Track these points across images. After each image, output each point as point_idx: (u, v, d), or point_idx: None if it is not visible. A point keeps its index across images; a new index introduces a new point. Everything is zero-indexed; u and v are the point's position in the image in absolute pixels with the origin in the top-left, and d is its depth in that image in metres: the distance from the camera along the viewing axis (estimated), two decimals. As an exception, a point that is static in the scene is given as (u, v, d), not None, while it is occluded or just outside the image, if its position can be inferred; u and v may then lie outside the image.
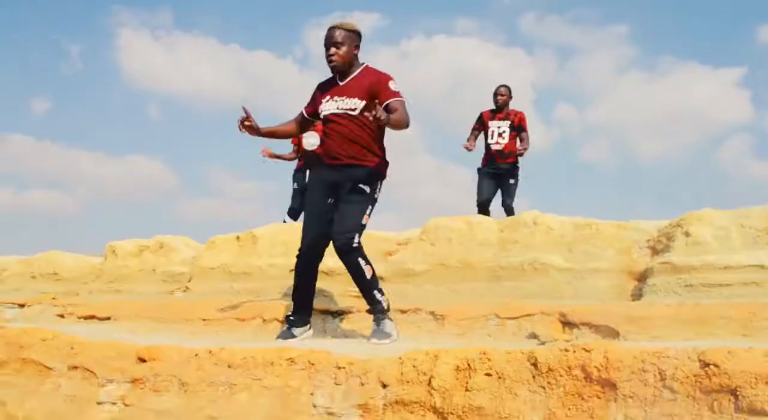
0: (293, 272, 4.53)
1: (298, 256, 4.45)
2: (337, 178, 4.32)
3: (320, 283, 5.56)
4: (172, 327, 5.29)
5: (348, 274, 4.33)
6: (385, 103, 4.19)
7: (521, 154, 7.78)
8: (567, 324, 4.08)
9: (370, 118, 3.91)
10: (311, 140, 8.06)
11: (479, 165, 8.00)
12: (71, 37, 25.29)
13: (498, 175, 7.85)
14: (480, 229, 5.35)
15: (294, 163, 8.48)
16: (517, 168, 7.88)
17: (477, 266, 5.11)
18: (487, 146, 7.91)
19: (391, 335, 4.13)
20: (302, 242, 4.42)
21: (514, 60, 22.41)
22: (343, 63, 4.32)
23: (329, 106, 4.37)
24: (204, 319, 5.28)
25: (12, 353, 4.71)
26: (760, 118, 19.78)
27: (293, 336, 4.39)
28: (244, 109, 4.42)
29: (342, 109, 4.31)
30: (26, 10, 24.58)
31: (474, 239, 5.30)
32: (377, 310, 4.26)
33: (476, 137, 8.06)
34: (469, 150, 7.96)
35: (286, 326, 4.52)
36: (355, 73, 4.38)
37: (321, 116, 4.45)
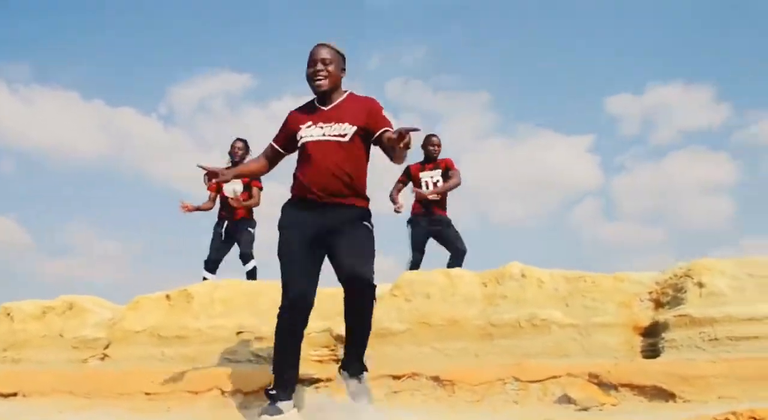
0: (274, 335, 3.78)
1: (279, 316, 3.72)
2: (328, 217, 3.70)
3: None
4: (105, 403, 4.41)
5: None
6: (379, 132, 3.75)
7: (440, 193, 7.33)
8: (602, 385, 3.63)
9: (397, 142, 3.36)
10: (234, 187, 7.51)
11: (409, 217, 7.53)
12: None
13: (434, 227, 7.41)
14: (461, 283, 4.86)
15: (213, 214, 7.72)
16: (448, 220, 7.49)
17: (464, 324, 4.60)
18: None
19: (370, 391, 3.73)
20: (284, 298, 3.69)
21: None
22: (330, 83, 3.81)
23: (312, 133, 3.79)
24: (147, 393, 4.44)
25: None
26: (608, 182, 21.11)
27: (280, 412, 3.62)
28: (201, 167, 3.86)
29: (330, 135, 3.75)
30: None
31: (456, 294, 4.80)
32: (359, 366, 3.79)
33: (400, 190, 7.63)
34: (399, 212, 7.50)
35: (268, 402, 3.73)
36: (341, 99, 3.88)
37: (299, 143, 3.84)
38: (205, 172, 3.89)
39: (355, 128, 3.75)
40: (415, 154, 7.49)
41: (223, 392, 4.33)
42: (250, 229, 7.46)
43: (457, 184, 7.34)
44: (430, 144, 7.46)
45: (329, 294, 5.07)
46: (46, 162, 22.97)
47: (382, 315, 4.83)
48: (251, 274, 7.27)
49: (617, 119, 21.33)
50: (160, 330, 5.40)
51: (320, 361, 4.87)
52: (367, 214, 3.81)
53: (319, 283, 3.81)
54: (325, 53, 3.79)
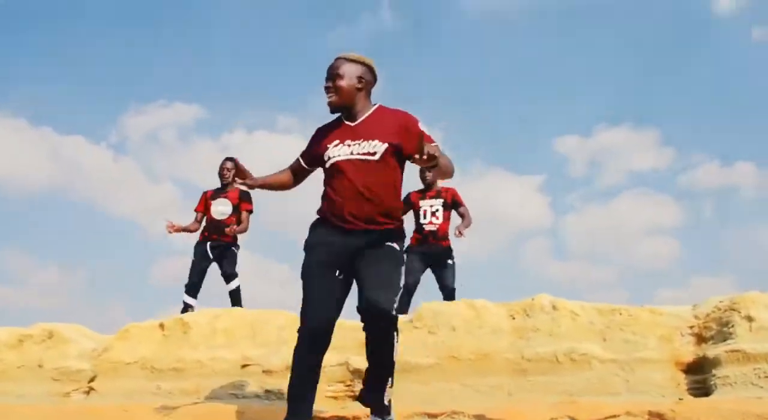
0: (290, 367, 3.44)
1: (297, 346, 3.38)
2: (357, 240, 3.40)
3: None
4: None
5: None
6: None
7: (460, 234, 7.08)
8: (666, 425, 3.36)
9: (421, 159, 3.12)
10: (221, 208, 7.16)
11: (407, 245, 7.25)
12: None
13: (431, 258, 7.13)
14: (487, 315, 4.56)
15: (196, 236, 7.32)
16: (451, 249, 7.21)
17: (495, 358, 4.30)
18: (419, 227, 7.19)
19: None
20: (302, 324, 3.37)
21: None
22: (342, 99, 3.50)
23: (339, 152, 3.47)
24: (154, 431, 4.02)
25: None
26: (558, 222, 21.42)
27: None
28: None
29: (358, 154, 3.43)
30: None
31: (483, 326, 4.50)
32: (384, 409, 3.45)
33: None
34: None
35: None
36: (369, 113, 3.55)
37: (327, 165, 3.52)
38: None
39: (385, 146, 3.42)
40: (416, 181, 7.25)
41: (239, 431, 3.94)
42: (233, 248, 7.13)
43: (467, 226, 7.11)
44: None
45: (346, 326, 4.74)
46: (-7, 189, 22.12)
47: (404, 348, 4.50)
48: (235, 294, 6.97)
49: (566, 160, 21.58)
50: (154, 362, 4.96)
51: (335, 397, 4.53)
52: (396, 235, 3.50)
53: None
54: (335, 67, 3.51)
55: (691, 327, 4.30)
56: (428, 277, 7.15)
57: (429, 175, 7.08)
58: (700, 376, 4.01)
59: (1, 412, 4.71)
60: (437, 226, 7.06)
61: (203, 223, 7.29)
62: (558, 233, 21.53)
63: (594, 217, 21.36)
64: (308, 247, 3.51)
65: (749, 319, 4.01)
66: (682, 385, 4.03)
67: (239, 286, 7.08)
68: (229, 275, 7.09)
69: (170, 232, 7.07)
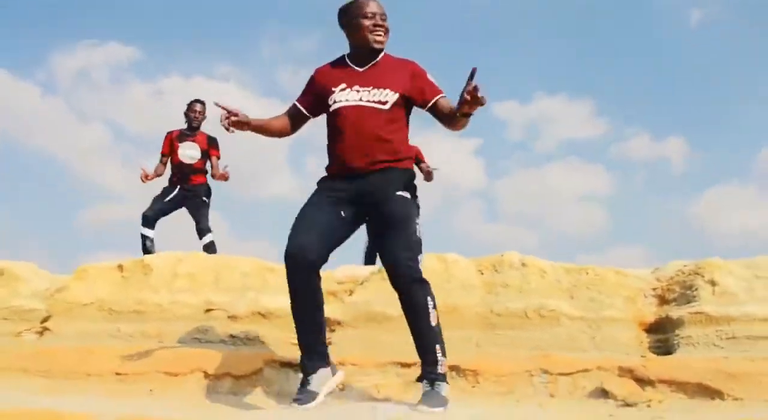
0: (290, 295, 3.36)
1: (286, 276, 3.30)
2: (364, 188, 3.34)
3: (259, 329, 4.51)
4: (74, 385, 3.85)
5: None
6: (434, 100, 3.41)
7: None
8: (638, 381, 3.46)
9: (472, 104, 3.03)
10: (190, 152, 6.96)
11: None
12: None
13: None
14: (457, 269, 4.60)
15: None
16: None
17: (464, 312, 4.35)
18: None
19: (447, 403, 3.16)
20: (289, 243, 3.28)
21: (273, 107, 22.06)
22: (386, 42, 3.45)
23: (348, 97, 3.39)
24: (119, 373, 3.92)
25: None
26: (491, 185, 21.88)
27: (314, 395, 3.21)
28: (219, 105, 3.34)
29: (368, 101, 3.36)
30: None
31: (452, 280, 4.53)
32: (434, 372, 3.25)
33: None
34: None
35: (301, 380, 3.34)
36: (377, 59, 3.48)
37: (332, 108, 3.43)
38: (224, 111, 3.33)
39: (396, 96, 3.38)
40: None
41: (207, 375, 3.88)
42: (205, 198, 6.94)
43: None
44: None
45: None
46: None
47: (371, 298, 4.52)
48: (209, 248, 6.74)
49: (504, 125, 21.86)
50: (112, 304, 4.83)
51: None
52: (410, 180, 3.46)
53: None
54: (381, 7, 3.42)
55: (654, 289, 4.43)
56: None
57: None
58: (662, 335, 4.14)
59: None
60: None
61: (168, 167, 7.10)
62: (490, 196, 21.94)
63: (527, 183, 21.79)
64: (312, 194, 3.44)
65: (712, 283, 4.15)
66: (644, 344, 4.15)
67: (213, 241, 6.91)
68: (202, 230, 6.91)
69: (144, 181, 6.87)
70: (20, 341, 4.83)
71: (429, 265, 4.59)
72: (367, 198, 3.34)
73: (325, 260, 3.33)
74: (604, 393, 3.43)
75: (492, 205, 22.26)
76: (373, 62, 3.46)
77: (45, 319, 4.96)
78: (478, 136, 21.80)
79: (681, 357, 3.77)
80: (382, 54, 3.50)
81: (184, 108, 7.09)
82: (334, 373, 3.39)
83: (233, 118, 3.35)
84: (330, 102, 3.42)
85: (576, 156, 22.08)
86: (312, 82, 3.57)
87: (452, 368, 3.73)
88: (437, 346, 3.27)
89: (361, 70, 3.45)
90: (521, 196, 22.03)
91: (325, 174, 3.51)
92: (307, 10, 22.33)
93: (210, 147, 6.95)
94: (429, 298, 3.28)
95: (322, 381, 3.28)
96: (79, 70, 22.60)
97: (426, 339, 3.28)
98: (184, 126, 7.06)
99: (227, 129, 3.32)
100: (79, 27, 22.28)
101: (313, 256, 3.25)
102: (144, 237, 6.73)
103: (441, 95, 3.43)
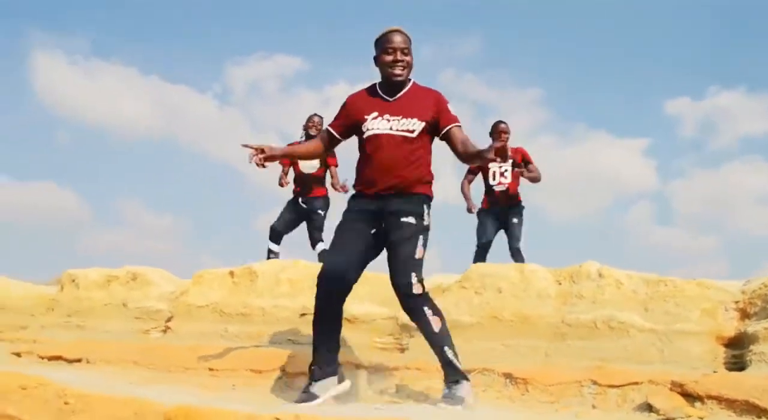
0: (315, 309, 3.74)
1: (316, 293, 3.70)
2: (382, 209, 3.68)
3: (343, 333, 4.81)
4: (171, 377, 4.36)
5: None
6: (446, 128, 3.73)
7: (525, 177, 7.12)
8: (687, 396, 3.43)
9: (494, 156, 3.44)
10: (310, 162, 7.41)
11: (480, 207, 7.38)
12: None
13: (500, 216, 7.24)
14: (535, 279, 4.68)
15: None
16: (523, 208, 7.29)
17: (536, 321, 4.44)
18: (489, 188, 7.29)
19: (465, 400, 3.38)
20: (327, 263, 3.73)
21: None
22: (407, 74, 3.76)
23: (379, 125, 3.71)
24: (211, 369, 4.39)
25: (-24, 403, 3.70)
26: (664, 187, 20.52)
27: (314, 397, 3.54)
28: (246, 146, 3.74)
29: (398, 130, 3.68)
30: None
31: (529, 290, 4.63)
32: (449, 373, 3.53)
33: (471, 182, 7.46)
34: (471, 212, 7.35)
35: (306, 382, 3.70)
36: (406, 89, 3.78)
37: (365, 135, 3.75)
38: (251, 150, 3.71)
39: (423, 124, 3.69)
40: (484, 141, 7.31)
41: (286, 373, 4.26)
42: (320, 211, 7.38)
43: (539, 179, 7.17)
44: (497, 131, 7.23)
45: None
46: (102, 135, 23.39)
47: (449, 306, 4.70)
48: (321, 257, 7.19)
49: (676, 123, 20.65)
50: (223, 307, 5.36)
51: (383, 349, 4.77)
52: (422, 204, 3.72)
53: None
54: (403, 41, 3.71)
55: (737, 302, 4.29)
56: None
57: (503, 137, 7.14)
58: (738, 351, 4.02)
59: (95, 346, 5.21)
60: (506, 185, 7.17)
61: (291, 177, 7.60)
62: (663, 198, 20.81)
63: (703, 183, 20.47)
64: (345, 212, 3.77)
65: (794, 297, 3.98)
66: (719, 359, 4.05)
67: (325, 249, 7.36)
68: (315, 240, 7.38)
69: (283, 186, 7.42)
70: (147, 338, 5.45)
71: (507, 274, 4.74)
72: (383, 218, 3.67)
73: (355, 282, 3.72)
74: (649, 407, 3.42)
75: (664, 207, 21.17)
76: (401, 93, 3.76)
77: (168, 319, 5.57)
78: (646, 136, 20.88)
79: (736, 374, 3.66)
80: (410, 84, 3.80)
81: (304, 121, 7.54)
82: (340, 381, 3.70)
83: (261, 155, 3.74)
84: (364, 129, 3.74)
85: (758, 154, 20.46)
86: (346, 110, 3.88)
87: (506, 376, 3.87)
88: (445, 348, 3.55)
89: (390, 99, 3.76)
90: (697, 198, 20.72)
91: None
92: (464, 11, 22.50)
93: (327, 155, 7.33)
94: (425, 308, 3.58)
95: (326, 387, 3.60)
96: (251, 82, 24.10)
97: (433, 343, 3.59)
98: (302, 139, 7.49)
99: (258, 166, 3.73)
100: (250, 41, 23.83)
101: (345, 277, 3.65)
102: (270, 252, 7.28)
103: (455, 124, 3.72)
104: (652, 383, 3.57)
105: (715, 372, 3.87)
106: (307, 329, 4.92)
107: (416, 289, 3.55)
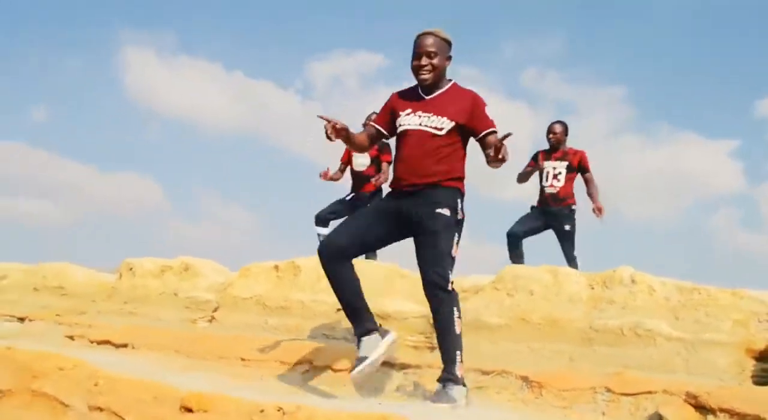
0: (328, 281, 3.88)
1: (319, 257, 3.84)
2: (410, 204, 3.72)
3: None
4: (206, 365, 4.58)
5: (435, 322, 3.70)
6: (483, 133, 3.74)
7: (600, 213, 7.03)
8: (699, 408, 3.40)
9: (493, 154, 3.47)
10: (361, 160, 7.56)
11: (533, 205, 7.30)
12: (75, 49, 24.72)
13: (549, 218, 7.13)
14: (568, 282, 4.68)
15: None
16: (574, 212, 7.16)
17: (565, 325, 4.44)
18: (541, 189, 7.21)
19: (455, 400, 3.47)
20: (321, 242, 3.94)
21: (518, 111, 22.07)
22: (435, 77, 3.79)
23: (410, 121, 3.80)
24: (243, 359, 4.58)
25: (22, 382, 4.00)
26: (752, 190, 19.57)
27: (363, 359, 3.66)
28: (322, 117, 3.76)
29: (427, 126, 3.75)
30: (30, 18, 24.10)
31: (561, 293, 4.63)
32: (448, 374, 3.59)
33: (528, 175, 7.31)
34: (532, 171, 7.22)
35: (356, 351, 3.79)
36: (444, 89, 3.85)
37: (399, 131, 3.85)
38: (328, 122, 3.72)
39: (453, 124, 3.73)
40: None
41: (313, 366, 4.40)
42: (367, 203, 7.51)
43: (594, 188, 7.09)
44: (550, 132, 7.14)
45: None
46: (190, 130, 24.19)
47: (480, 307, 4.76)
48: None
49: (766, 124, 19.76)
50: (266, 299, 5.55)
51: (415, 347, 4.85)
52: (452, 198, 3.74)
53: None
54: (430, 44, 3.75)
55: (770, 314, 4.19)
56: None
57: (552, 137, 7.08)
58: (766, 364, 3.94)
59: (142, 332, 5.49)
60: (557, 188, 7.04)
61: (348, 174, 7.77)
62: (751, 202, 19.97)
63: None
64: (370, 206, 3.91)
65: (826, 310, 3.87)
66: (747, 372, 3.97)
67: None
68: None
69: (323, 179, 7.54)
70: (193, 327, 5.69)
71: (539, 277, 4.75)
72: (413, 216, 3.71)
73: (354, 253, 3.82)
74: (660, 417, 3.40)
75: (753, 211, 20.31)
76: (439, 91, 3.83)
77: (215, 309, 5.80)
78: (735, 137, 20.08)
79: (753, 388, 3.60)
80: (449, 84, 3.86)
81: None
82: (383, 336, 3.78)
83: (336, 127, 3.75)
84: (397, 125, 3.85)
85: None
86: (387, 106, 3.99)
87: (522, 379, 3.90)
88: (458, 352, 3.60)
89: (427, 98, 3.83)
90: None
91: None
92: (548, 9, 22.20)
93: (381, 153, 7.43)
94: (455, 308, 3.61)
95: (372, 346, 3.71)
96: (333, 77, 24.45)
97: (449, 344, 3.62)
98: None
99: (329, 138, 3.78)
100: (332, 37, 24.15)
101: (341, 252, 3.76)
102: (319, 235, 7.42)
103: (491, 130, 3.74)
104: (666, 393, 3.53)
105: (739, 385, 3.81)
106: (342, 324, 5.09)
107: (449, 286, 3.59)
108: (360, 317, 3.79)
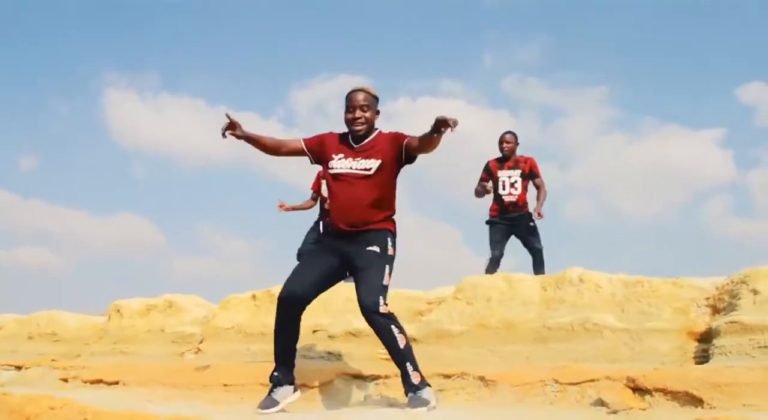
0: (275, 325, 4.16)
1: (277, 305, 4.11)
2: (346, 245, 4.12)
3: (350, 346, 5.22)
4: (189, 394, 4.87)
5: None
6: (403, 142, 4.10)
7: (540, 217, 7.35)
8: (637, 390, 3.70)
9: (449, 129, 3.71)
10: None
11: (488, 218, 7.55)
12: (60, 96, 25.14)
13: (513, 226, 7.43)
14: (521, 287, 5.00)
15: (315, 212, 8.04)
16: (531, 214, 7.44)
17: (520, 327, 4.75)
18: (498, 198, 7.49)
19: (429, 402, 3.76)
20: (283, 288, 4.11)
21: (500, 121, 22.41)
22: (367, 128, 4.18)
23: (341, 165, 4.18)
24: (225, 385, 4.87)
25: (15, 423, 4.27)
26: (742, 177, 19.79)
27: (276, 403, 4.00)
28: (228, 116, 4.19)
29: (356, 169, 4.13)
30: (16, 67, 24.54)
31: (515, 298, 4.94)
32: (407, 386, 3.89)
33: (484, 188, 7.59)
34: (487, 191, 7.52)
35: (269, 389, 4.13)
36: (370, 138, 4.22)
37: (330, 172, 4.22)
38: (228, 123, 4.17)
39: (379, 162, 4.10)
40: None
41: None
42: None
43: (543, 195, 7.40)
44: (502, 142, 7.46)
45: (402, 296, 5.38)
46: (177, 166, 24.53)
47: (443, 317, 5.06)
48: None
49: (750, 110, 19.98)
50: (246, 327, 5.84)
51: (388, 360, 5.13)
52: (386, 238, 4.12)
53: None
54: (362, 99, 4.15)
55: (707, 299, 4.50)
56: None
57: (505, 146, 7.43)
58: (705, 345, 4.24)
59: (132, 369, 5.78)
60: (516, 196, 7.37)
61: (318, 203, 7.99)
62: (742, 189, 20.12)
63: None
64: (313, 241, 4.23)
65: (755, 292, 4.15)
66: (689, 354, 4.26)
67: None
68: None
69: (281, 211, 7.70)
70: (181, 360, 5.98)
71: (495, 284, 5.06)
72: (349, 255, 4.09)
73: (311, 299, 4.17)
74: (602, 402, 3.69)
75: (744, 199, 20.46)
76: (367, 140, 4.20)
77: (200, 341, 6.09)
78: (720, 126, 20.28)
79: (684, 367, 3.90)
80: (375, 133, 4.23)
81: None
82: (294, 391, 4.15)
83: (230, 130, 4.21)
84: (329, 166, 4.21)
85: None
86: (322, 140, 4.31)
87: (480, 379, 4.20)
88: (407, 364, 3.89)
89: (356, 146, 4.20)
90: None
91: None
92: (525, 16, 22.58)
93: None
94: (392, 326, 3.91)
95: (285, 394, 4.07)
96: (315, 104, 24.82)
97: (397, 358, 3.93)
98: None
99: (222, 134, 4.22)
100: (313, 64, 24.51)
101: (301, 300, 4.10)
102: None
103: (405, 138, 4.09)
104: (609, 379, 3.83)
105: (672, 367, 4.10)
106: (319, 345, 5.38)
107: (383, 309, 3.91)
108: (288, 367, 4.15)
